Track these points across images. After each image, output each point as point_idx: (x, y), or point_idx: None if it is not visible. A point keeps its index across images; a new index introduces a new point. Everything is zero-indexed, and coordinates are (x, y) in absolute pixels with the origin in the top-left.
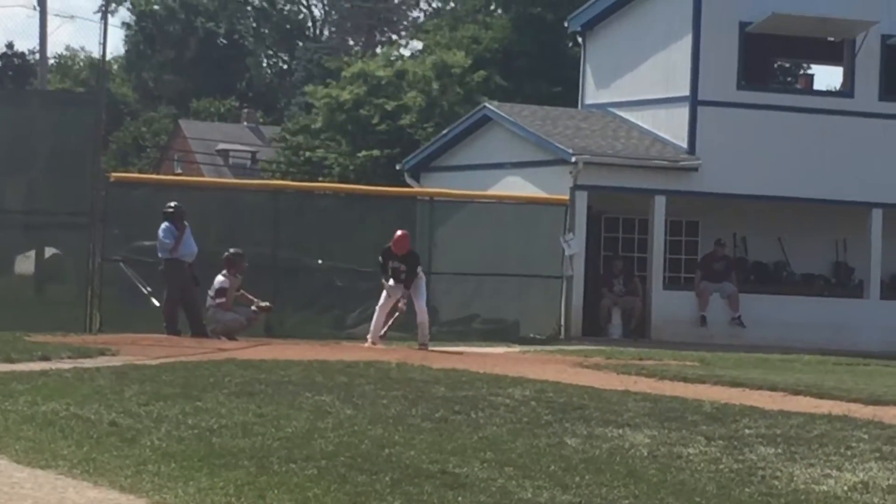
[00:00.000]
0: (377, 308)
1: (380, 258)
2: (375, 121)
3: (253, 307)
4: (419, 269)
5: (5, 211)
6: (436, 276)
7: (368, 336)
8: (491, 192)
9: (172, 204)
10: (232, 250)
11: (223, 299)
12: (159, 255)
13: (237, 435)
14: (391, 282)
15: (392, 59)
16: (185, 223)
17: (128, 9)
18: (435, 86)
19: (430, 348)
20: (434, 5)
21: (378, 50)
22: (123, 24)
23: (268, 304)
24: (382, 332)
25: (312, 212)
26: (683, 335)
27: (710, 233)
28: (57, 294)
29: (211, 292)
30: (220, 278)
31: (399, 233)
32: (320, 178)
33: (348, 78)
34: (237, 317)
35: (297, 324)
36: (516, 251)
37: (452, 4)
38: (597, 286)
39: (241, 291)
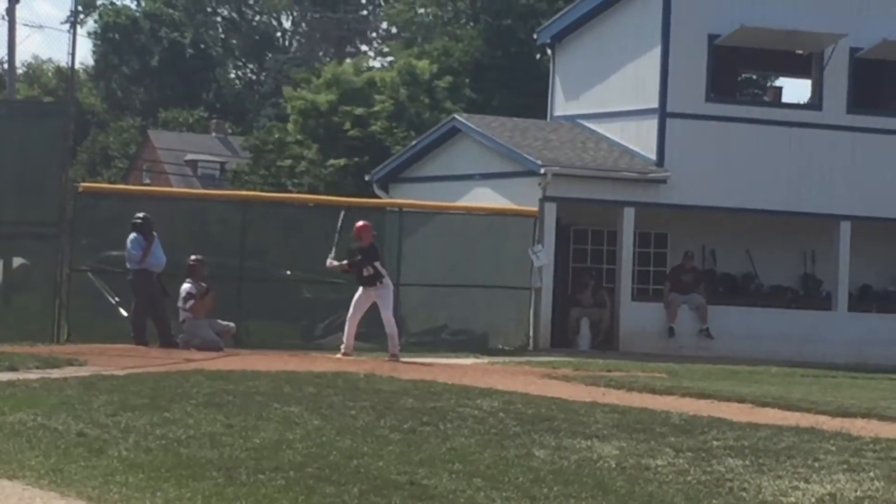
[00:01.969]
0: (347, 319)
1: (344, 261)
2: (347, 126)
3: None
4: (384, 276)
5: None
6: (405, 287)
7: (342, 347)
8: (460, 203)
9: (141, 214)
10: (192, 258)
11: (192, 302)
12: (128, 265)
13: (205, 446)
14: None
15: (361, 70)
16: (154, 234)
17: (95, 21)
18: (403, 91)
19: (399, 359)
20: (395, 27)
21: (348, 61)
22: (89, 34)
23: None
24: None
25: (281, 222)
26: (652, 347)
27: (678, 244)
28: (25, 304)
29: (179, 302)
30: (185, 286)
31: (359, 223)
32: (290, 187)
33: (322, 83)
34: (217, 339)
35: (266, 334)
36: (485, 262)
37: (418, 12)
38: (565, 297)
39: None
